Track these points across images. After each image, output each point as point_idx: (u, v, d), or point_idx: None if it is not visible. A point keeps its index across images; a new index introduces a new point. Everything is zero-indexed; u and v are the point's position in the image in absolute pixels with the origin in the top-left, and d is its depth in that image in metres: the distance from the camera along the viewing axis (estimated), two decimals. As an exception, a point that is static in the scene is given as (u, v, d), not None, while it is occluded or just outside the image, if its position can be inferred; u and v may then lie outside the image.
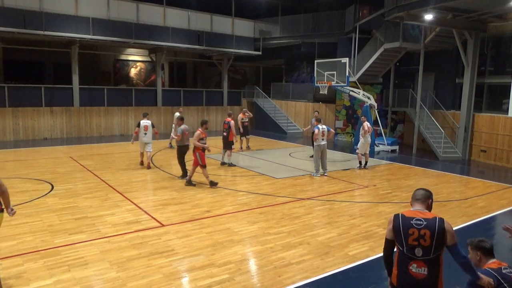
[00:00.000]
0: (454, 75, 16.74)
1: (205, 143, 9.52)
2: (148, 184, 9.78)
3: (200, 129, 9.62)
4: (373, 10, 18.43)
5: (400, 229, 3.13)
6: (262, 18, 23.50)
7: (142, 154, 11.89)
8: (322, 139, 11.13)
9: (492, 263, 3.31)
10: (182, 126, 10.14)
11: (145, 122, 11.69)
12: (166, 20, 19.57)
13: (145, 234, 6.36)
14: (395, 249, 3.26)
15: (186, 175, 9.94)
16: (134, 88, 22.15)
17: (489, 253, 3.37)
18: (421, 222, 3.09)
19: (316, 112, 13.16)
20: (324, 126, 11.33)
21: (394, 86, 19.11)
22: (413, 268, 3.08)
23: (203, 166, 9.45)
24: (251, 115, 15.82)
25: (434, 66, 17.38)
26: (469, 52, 14.54)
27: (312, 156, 13.54)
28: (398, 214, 3.22)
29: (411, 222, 3.11)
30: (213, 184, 9.53)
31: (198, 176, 10.07)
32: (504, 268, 3.23)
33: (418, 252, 3.07)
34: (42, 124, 17.66)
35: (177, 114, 16.04)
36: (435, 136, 15.69)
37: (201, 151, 9.43)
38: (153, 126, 11.72)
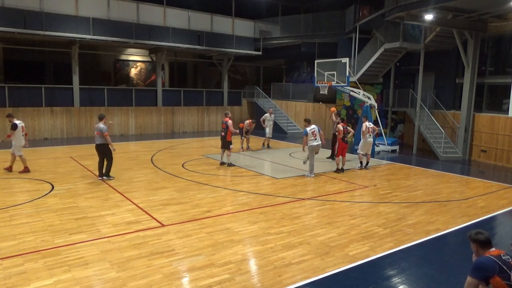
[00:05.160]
0: (454, 75, 16.74)
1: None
2: (148, 184, 9.77)
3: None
4: (373, 10, 18.41)
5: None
6: (262, 18, 23.51)
7: (19, 158, 10.64)
8: (315, 140, 10.97)
9: (493, 251, 3.54)
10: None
11: (21, 123, 10.75)
12: (166, 20, 19.58)
13: (145, 234, 6.36)
14: None
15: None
16: (134, 88, 22.17)
17: (485, 243, 3.58)
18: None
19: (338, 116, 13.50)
20: (314, 126, 11.10)
21: (394, 86, 19.11)
22: None
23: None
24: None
25: (434, 66, 17.37)
26: (469, 52, 14.53)
27: (328, 157, 13.84)
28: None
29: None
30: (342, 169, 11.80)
31: (194, 174, 10.02)
32: (504, 255, 3.48)
33: None
34: (42, 124, 17.66)
35: (267, 115, 16.09)
36: (436, 136, 15.69)
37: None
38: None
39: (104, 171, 10.11)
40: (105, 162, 10.10)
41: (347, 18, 20.34)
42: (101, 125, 9.91)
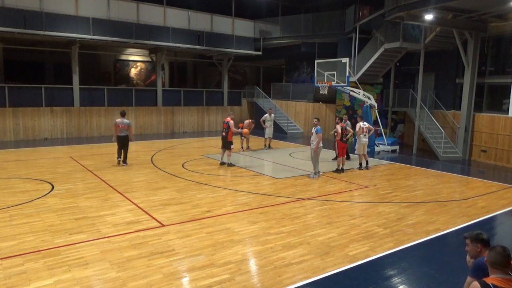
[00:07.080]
0: (455, 75, 16.74)
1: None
2: (148, 184, 9.77)
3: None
4: (373, 10, 18.41)
5: None
6: (262, 18, 23.50)
7: None
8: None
9: None
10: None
11: None
12: (166, 20, 19.57)
13: (145, 234, 6.36)
14: None
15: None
16: (134, 88, 22.15)
17: (488, 243, 3.55)
18: None
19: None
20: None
21: (394, 86, 19.10)
22: None
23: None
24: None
25: (434, 66, 17.37)
26: (469, 52, 14.53)
27: (334, 159, 13.56)
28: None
29: None
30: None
31: (194, 174, 10.01)
32: None
33: None
34: (42, 124, 17.65)
35: (266, 115, 16.02)
36: (436, 136, 15.69)
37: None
38: None
39: (122, 159, 11.85)
40: (122, 152, 11.83)
41: (347, 18, 20.33)
42: (126, 120, 11.77)
